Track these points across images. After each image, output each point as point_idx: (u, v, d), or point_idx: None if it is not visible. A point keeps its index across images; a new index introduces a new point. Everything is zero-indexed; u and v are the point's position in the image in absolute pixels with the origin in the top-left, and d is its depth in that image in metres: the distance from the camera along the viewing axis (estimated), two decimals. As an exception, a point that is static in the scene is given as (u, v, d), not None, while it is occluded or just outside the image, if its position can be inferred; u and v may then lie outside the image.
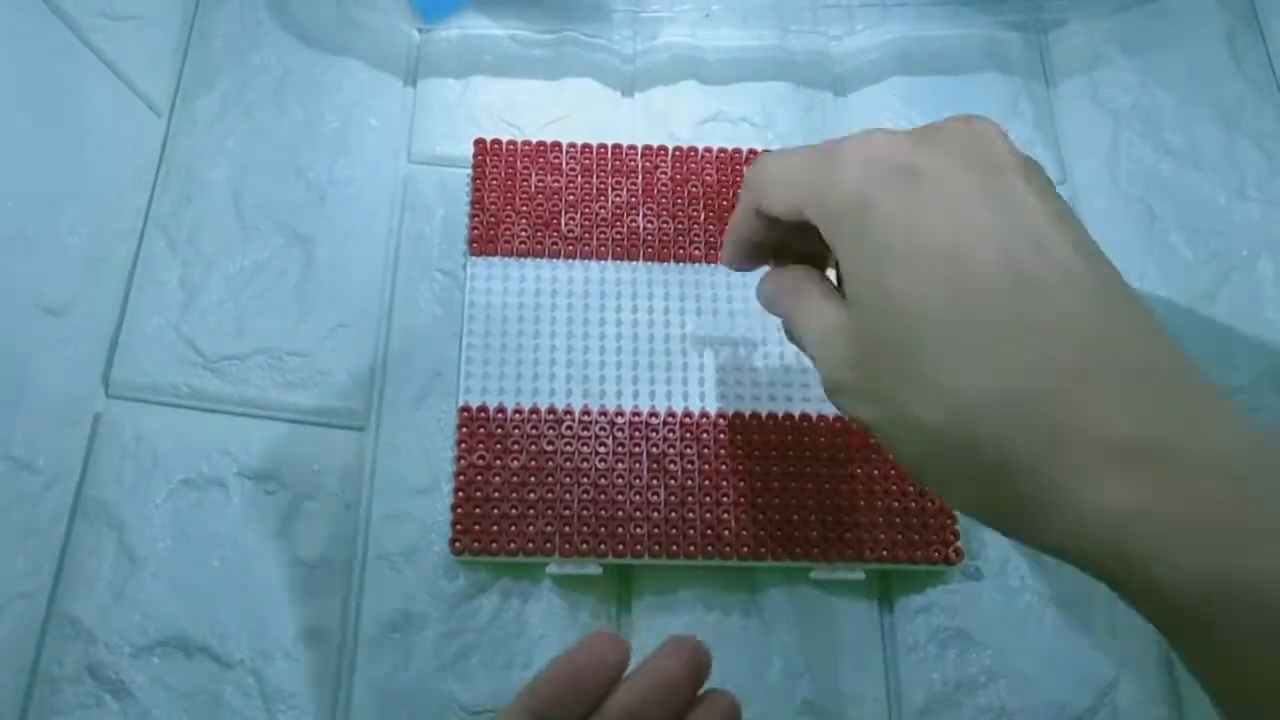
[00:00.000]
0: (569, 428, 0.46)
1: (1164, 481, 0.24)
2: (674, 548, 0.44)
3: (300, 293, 0.50)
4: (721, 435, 0.46)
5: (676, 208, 0.51)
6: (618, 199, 0.51)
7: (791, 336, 0.35)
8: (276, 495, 0.46)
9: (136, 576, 0.44)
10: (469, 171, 0.52)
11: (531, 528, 0.44)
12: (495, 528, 0.44)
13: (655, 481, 0.45)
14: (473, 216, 0.50)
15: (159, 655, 0.43)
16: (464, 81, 0.55)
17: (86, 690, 0.42)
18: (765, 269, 0.38)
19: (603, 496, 0.45)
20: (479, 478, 0.45)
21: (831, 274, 0.35)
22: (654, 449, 0.46)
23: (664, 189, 0.51)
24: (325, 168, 0.53)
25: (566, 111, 0.55)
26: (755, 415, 0.47)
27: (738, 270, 0.39)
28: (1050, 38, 0.60)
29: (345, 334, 0.49)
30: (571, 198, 0.51)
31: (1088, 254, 0.28)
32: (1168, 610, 0.24)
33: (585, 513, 0.45)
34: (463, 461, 0.45)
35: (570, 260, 0.50)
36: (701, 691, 0.33)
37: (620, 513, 0.45)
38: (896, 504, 0.46)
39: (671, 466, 0.46)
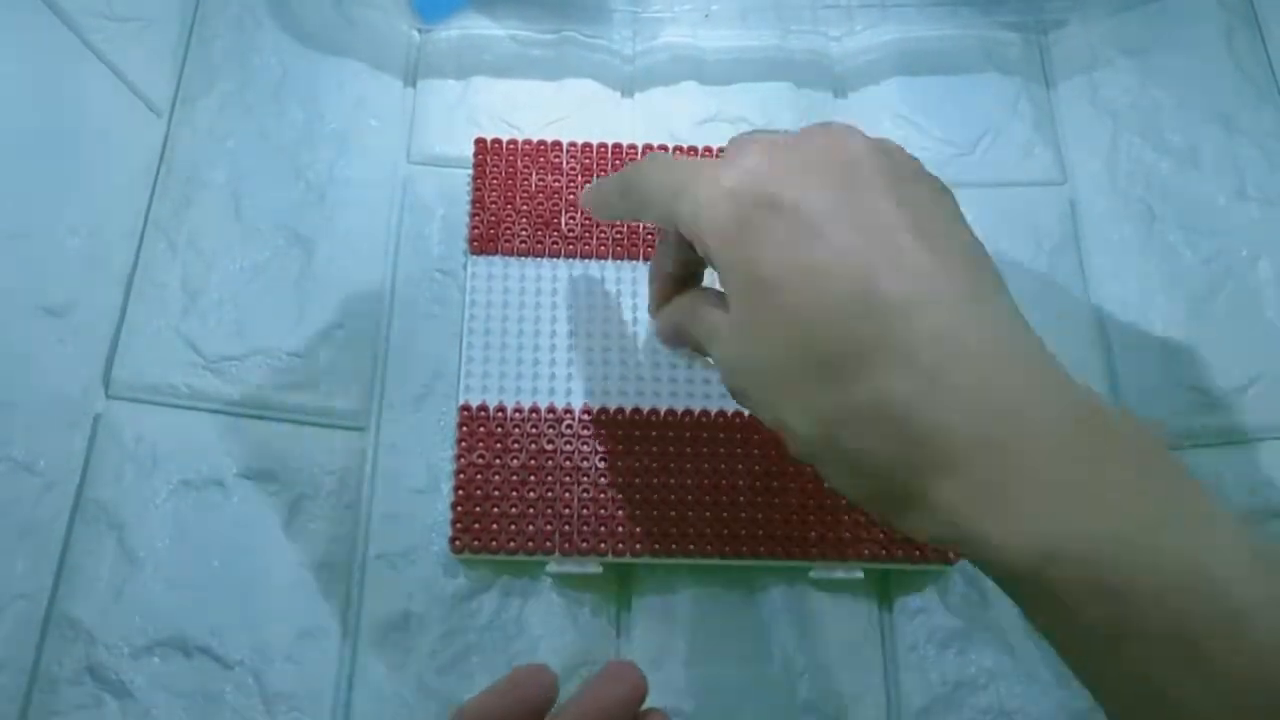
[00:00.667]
0: (569, 426, 0.46)
1: (997, 470, 0.27)
2: (674, 546, 0.44)
3: (300, 293, 0.50)
4: (721, 434, 0.46)
5: None
6: None
7: (696, 350, 0.38)
8: (276, 496, 0.46)
9: (136, 577, 0.44)
10: (469, 172, 0.52)
11: (531, 526, 0.44)
12: (495, 526, 0.44)
13: (655, 480, 0.45)
14: (473, 216, 0.50)
15: (159, 656, 0.43)
16: (464, 82, 0.55)
17: (86, 691, 0.42)
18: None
19: (602, 495, 0.45)
20: (479, 476, 0.45)
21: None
22: (654, 448, 0.46)
23: None
24: (325, 168, 0.53)
25: (566, 112, 0.55)
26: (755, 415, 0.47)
27: (665, 335, 0.42)
28: (1050, 39, 0.60)
29: (345, 334, 0.49)
30: (572, 197, 0.51)
31: (945, 259, 0.29)
32: (1010, 577, 0.27)
33: (585, 511, 0.45)
34: (463, 460, 0.45)
35: (570, 260, 0.50)
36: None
37: (620, 511, 0.45)
38: None
39: (671, 465, 0.46)
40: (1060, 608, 0.26)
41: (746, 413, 0.47)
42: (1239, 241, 0.54)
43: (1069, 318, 0.52)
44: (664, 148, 0.52)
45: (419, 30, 0.57)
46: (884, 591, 0.47)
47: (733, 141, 0.34)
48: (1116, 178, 0.56)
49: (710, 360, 0.36)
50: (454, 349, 0.49)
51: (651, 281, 0.42)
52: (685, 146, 0.53)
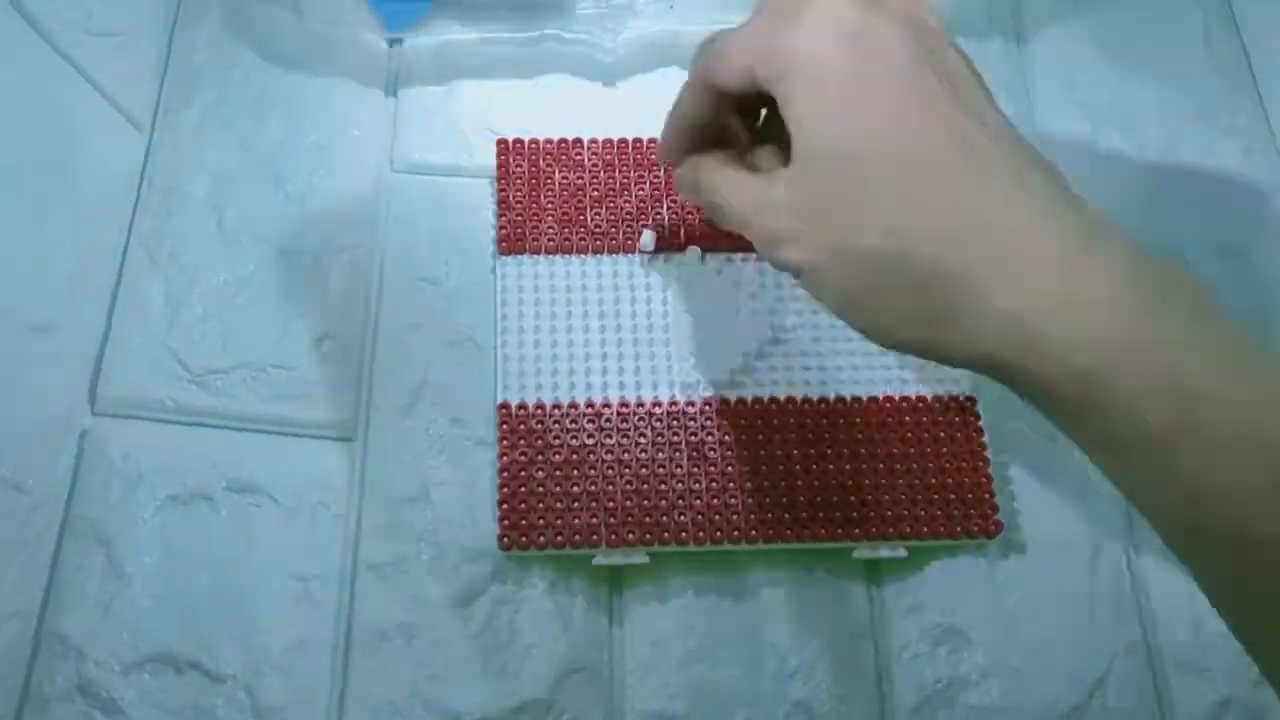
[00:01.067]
0: (608, 420, 0.47)
1: (1067, 281, 0.29)
2: (718, 533, 0.45)
3: (284, 305, 0.50)
4: (759, 420, 0.47)
5: None
6: (641, 192, 0.52)
7: (714, 215, 0.38)
8: (265, 508, 0.46)
9: (125, 593, 0.44)
10: (453, 179, 0.52)
11: (577, 520, 0.45)
12: (541, 521, 0.45)
13: (696, 469, 0.46)
14: (500, 216, 0.51)
15: (149, 672, 0.43)
16: (444, 89, 0.55)
17: (77, 709, 0.42)
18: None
19: (645, 486, 0.46)
20: (522, 473, 0.45)
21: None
22: (692, 437, 0.47)
23: None
24: (306, 179, 0.52)
25: (547, 110, 0.55)
26: (790, 399, 0.48)
27: (674, 164, 0.41)
28: (1028, 37, 0.60)
29: (330, 345, 0.49)
30: (596, 193, 0.51)
31: (1006, 122, 0.33)
32: (1068, 385, 0.29)
33: (629, 503, 0.45)
34: (505, 458, 0.46)
35: (599, 255, 0.50)
36: None
37: (664, 501, 0.45)
38: (934, 480, 0.46)
39: (710, 453, 0.46)
40: (1120, 411, 0.28)
41: (781, 398, 0.48)
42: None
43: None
44: (639, 139, 0.53)
45: (388, 40, 0.56)
46: (877, 591, 0.47)
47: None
48: (1096, 174, 0.56)
49: (729, 221, 0.37)
50: (441, 356, 0.49)
51: (669, 124, 0.41)
52: None
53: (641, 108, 0.55)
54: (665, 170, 0.52)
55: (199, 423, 0.47)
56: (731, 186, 0.37)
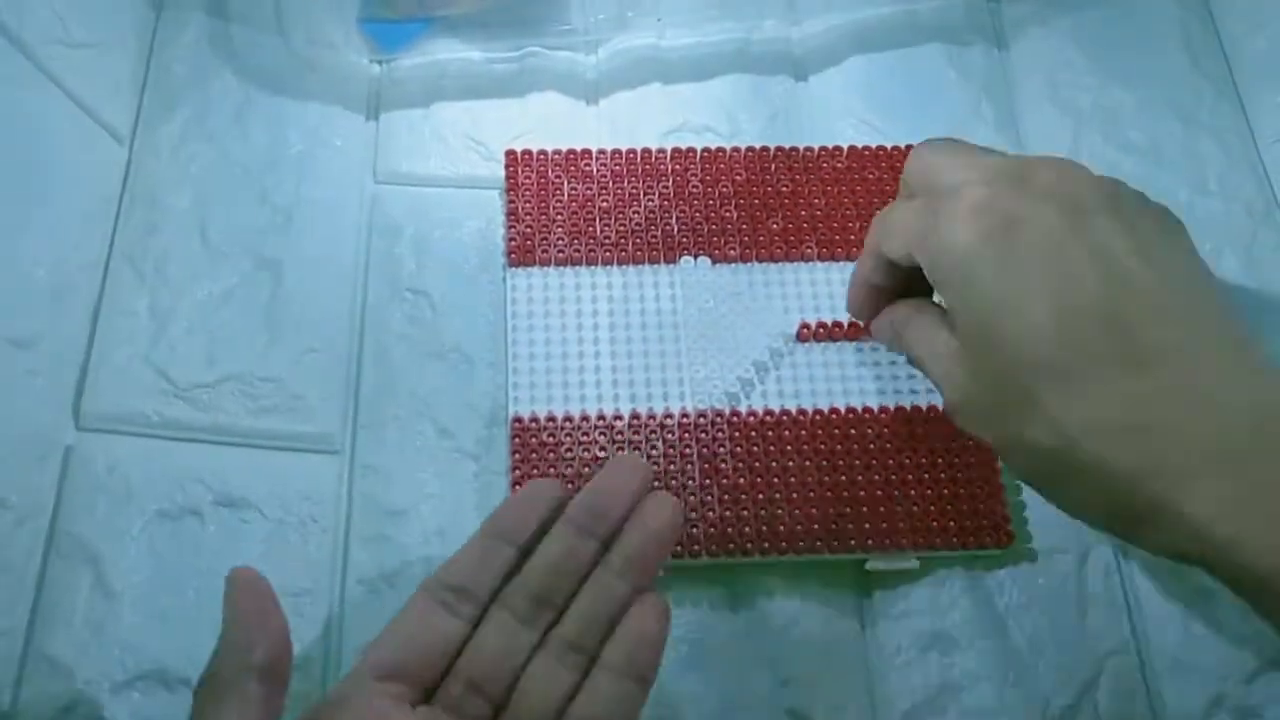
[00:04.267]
0: (620, 433, 0.47)
1: (1247, 480, 0.28)
2: (731, 545, 0.45)
3: (270, 317, 0.49)
4: (770, 433, 0.47)
5: (709, 208, 0.51)
6: (650, 203, 0.51)
7: (915, 363, 0.39)
8: (253, 523, 0.46)
9: (114, 610, 0.44)
10: (435, 190, 0.52)
11: None
12: None
13: (708, 481, 0.46)
14: (509, 228, 0.50)
15: (140, 690, 0.43)
16: (427, 100, 0.55)
17: (67, 728, 0.42)
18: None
19: None
20: None
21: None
22: (704, 449, 0.47)
23: (695, 191, 0.52)
24: (290, 190, 0.52)
25: (532, 125, 0.55)
26: (801, 411, 0.47)
27: (863, 318, 0.44)
28: (1009, 40, 0.60)
29: (316, 357, 0.49)
30: (605, 204, 0.51)
31: (1176, 285, 0.32)
32: (1262, 582, 0.28)
33: None
34: (518, 472, 0.46)
35: (609, 266, 0.50)
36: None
37: None
38: (946, 491, 0.46)
39: (723, 465, 0.46)
40: None
41: (793, 410, 0.47)
42: (1203, 236, 0.53)
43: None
44: (692, 149, 0.53)
45: (379, 62, 0.56)
46: (866, 598, 0.47)
47: (949, 185, 0.35)
48: (1080, 177, 0.56)
49: (926, 376, 0.38)
50: (428, 368, 0.49)
51: (854, 286, 0.43)
52: (714, 148, 0.53)
53: (621, 123, 0.56)
54: (672, 179, 0.52)
55: (185, 437, 0.47)
56: (922, 345, 0.37)
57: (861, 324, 0.45)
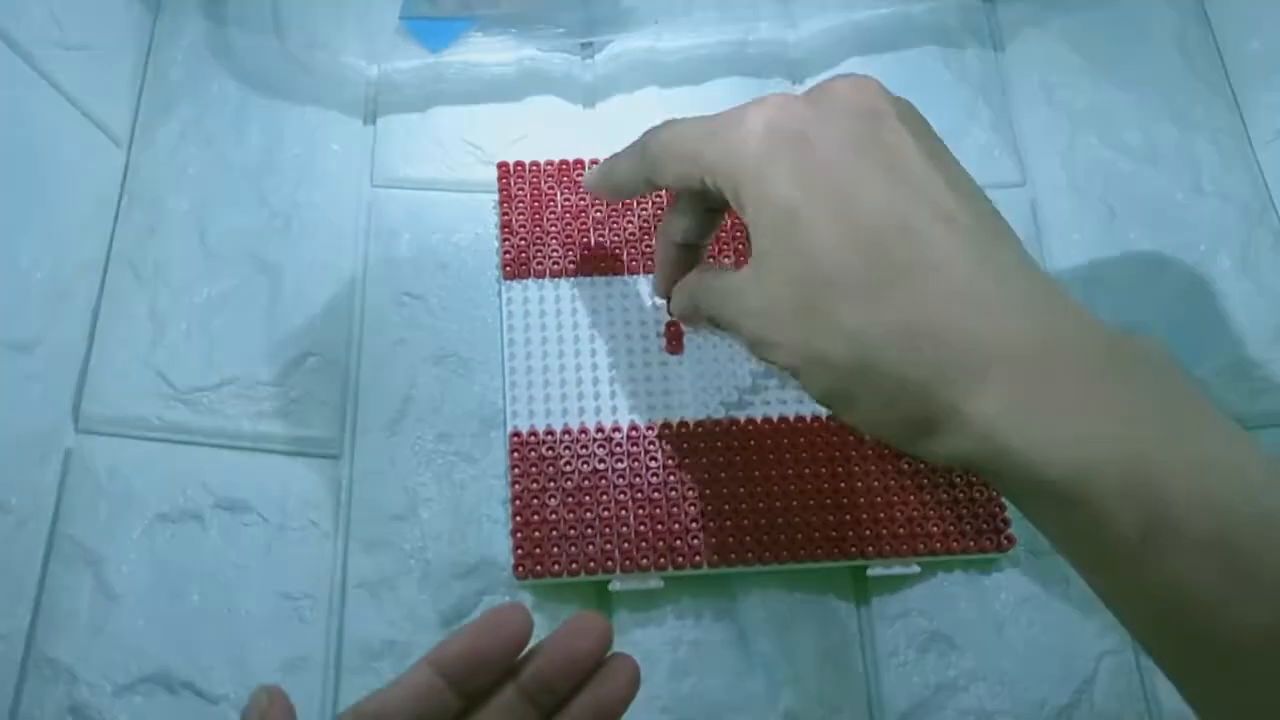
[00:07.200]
0: (618, 445, 0.47)
1: (1033, 386, 0.28)
2: (732, 555, 0.45)
3: (269, 321, 0.50)
4: (769, 440, 0.47)
5: None
6: (644, 213, 0.51)
7: (715, 323, 0.38)
8: (254, 526, 0.46)
9: (115, 614, 0.44)
10: (433, 194, 0.52)
11: (591, 546, 0.44)
12: (556, 549, 0.44)
13: (707, 491, 0.46)
14: (503, 240, 0.50)
15: (141, 693, 0.43)
16: (425, 104, 0.55)
17: (69, 732, 0.42)
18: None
19: (658, 510, 0.45)
20: (535, 501, 0.45)
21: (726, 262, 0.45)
22: (703, 459, 0.46)
23: None
24: (288, 194, 0.52)
25: (528, 129, 0.55)
26: (800, 418, 0.48)
27: (664, 290, 0.44)
28: (1005, 41, 0.60)
29: (315, 361, 0.49)
30: (599, 214, 0.51)
31: (962, 193, 0.32)
32: (1041, 490, 0.28)
33: (642, 528, 0.45)
34: (518, 486, 0.45)
35: (605, 277, 0.50)
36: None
37: (677, 525, 0.45)
38: (945, 495, 0.47)
39: (723, 474, 0.46)
40: (1093, 518, 0.27)
41: (791, 417, 0.47)
42: (1198, 236, 0.55)
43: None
44: None
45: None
46: (863, 598, 0.47)
47: (755, 99, 0.35)
48: (1075, 178, 0.56)
49: (726, 329, 0.37)
50: (424, 372, 0.49)
51: (659, 267, 0.44)
52: None
53: (617, 127, 0.55)
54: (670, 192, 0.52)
55: (186, 440, 0.47)
56: (714, 294, 0.37)
57: (669, 308, 0.44)
